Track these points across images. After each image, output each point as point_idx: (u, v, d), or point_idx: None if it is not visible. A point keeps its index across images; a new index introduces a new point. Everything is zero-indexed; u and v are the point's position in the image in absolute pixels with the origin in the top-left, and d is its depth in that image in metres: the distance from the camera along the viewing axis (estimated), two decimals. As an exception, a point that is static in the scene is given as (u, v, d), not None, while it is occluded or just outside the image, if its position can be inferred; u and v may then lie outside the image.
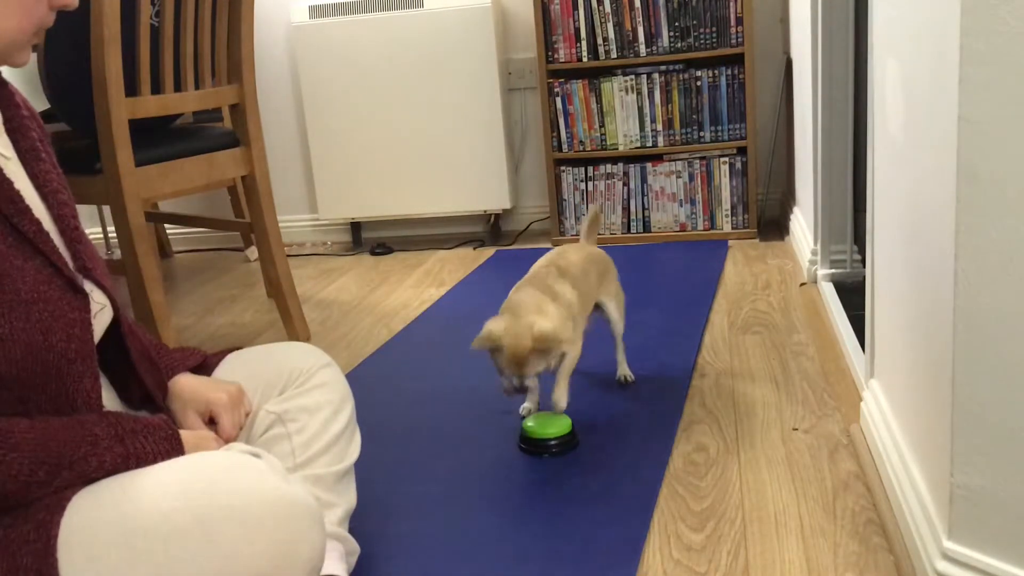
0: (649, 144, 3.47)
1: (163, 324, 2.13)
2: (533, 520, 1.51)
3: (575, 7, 3.39)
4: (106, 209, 3.29)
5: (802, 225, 2.98)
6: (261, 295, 3.15)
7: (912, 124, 1.30)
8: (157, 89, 2.13)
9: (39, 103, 2.21)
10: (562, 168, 3.55)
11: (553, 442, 1.74)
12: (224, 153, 2.36)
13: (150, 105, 2.11)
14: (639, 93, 3.43)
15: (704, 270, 3.00)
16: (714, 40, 3.34)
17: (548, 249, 2.05)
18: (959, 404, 1.08)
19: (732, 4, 3.29)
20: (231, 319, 2.91)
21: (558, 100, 3.49)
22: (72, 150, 2.12)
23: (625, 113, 3.46)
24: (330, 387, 1.36)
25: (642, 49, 3.40)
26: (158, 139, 2.23)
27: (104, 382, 1.17)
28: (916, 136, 1.27)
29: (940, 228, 1.12)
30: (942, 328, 1.13)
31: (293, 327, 2.55)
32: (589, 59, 3.44)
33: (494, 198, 3.66)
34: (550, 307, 1.75)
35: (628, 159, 3.50)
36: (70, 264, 1.07)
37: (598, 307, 2.01)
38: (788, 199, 3.49)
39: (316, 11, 3.60)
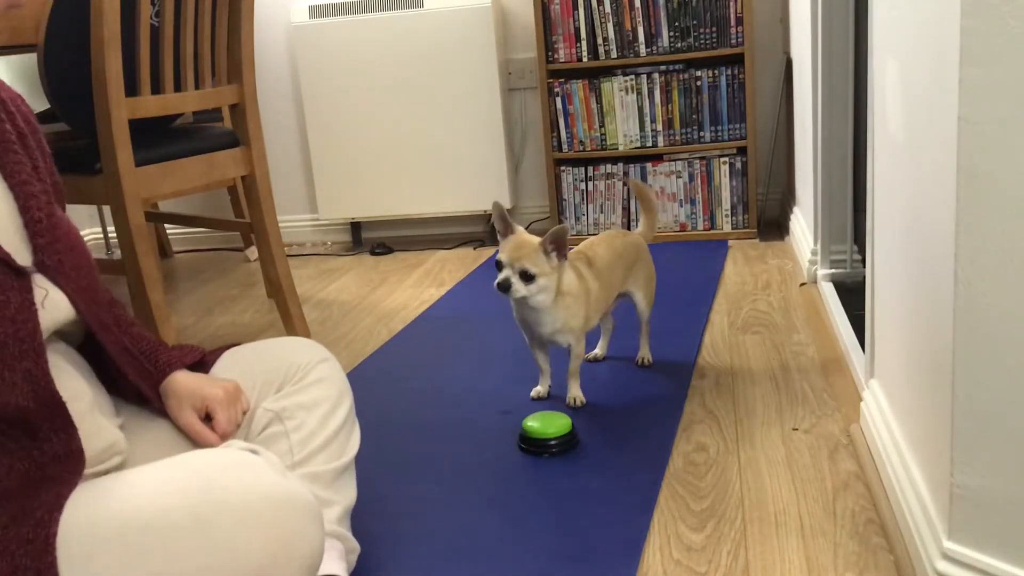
0: (649, 144, 3.47)
1: (163, 324, 2.13)
2: (533, 520, 1.51)
3: (575, 7, 3.39)
4: (106, 209, 3.28)
5: (802, 225, 2.98)
6: (261, 295, 3.15)
7: (912, 124, 1.30)
8: (157, 89, 2.13)
9: (39, 103, 2.21)
10: (562, 168, 3.55)
11: (553, 442, 1.74)
12: (224, 153, 2.36)
13: (150, 105, 2.11)
14: (639, 93, 3.43)
15: (704, 270, 3.00)
16: (714, 40, 3.34)
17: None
18: (959, 404, 1.08)
19: (732, 4, 3.29)
20: (231, 319, 2.91)
21: (558, 100, 3.49)
22: (72, 150, 2.12)
23: (625, 113, 3.46)
24: (328, 382, 1.35)
25: (642, 49, 3.39)
26: (158, 139, 2.23)
27: (90, 377, 1.17)
28: (916, 136, 1.27)
29: (940, 228, 1.12)
30: (942, 328, 1.13)
31: (293, 327, 2.55)
32: (589, 59, 3.44)
33: (494, 198, 3.63)
34: (573, 277, 1.88)
35: (628, 159, 3.50)
36: (23, 254, 1.06)
37: (625, 295, 2.13)
38: (788, 199, 3.49)
39: (316, 11, 3.60)
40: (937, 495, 1.18)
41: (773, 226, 3.54)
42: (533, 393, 2.01)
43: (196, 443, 1.24)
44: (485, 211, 3.70)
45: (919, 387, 1.29)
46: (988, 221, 1.01)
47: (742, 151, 3.40)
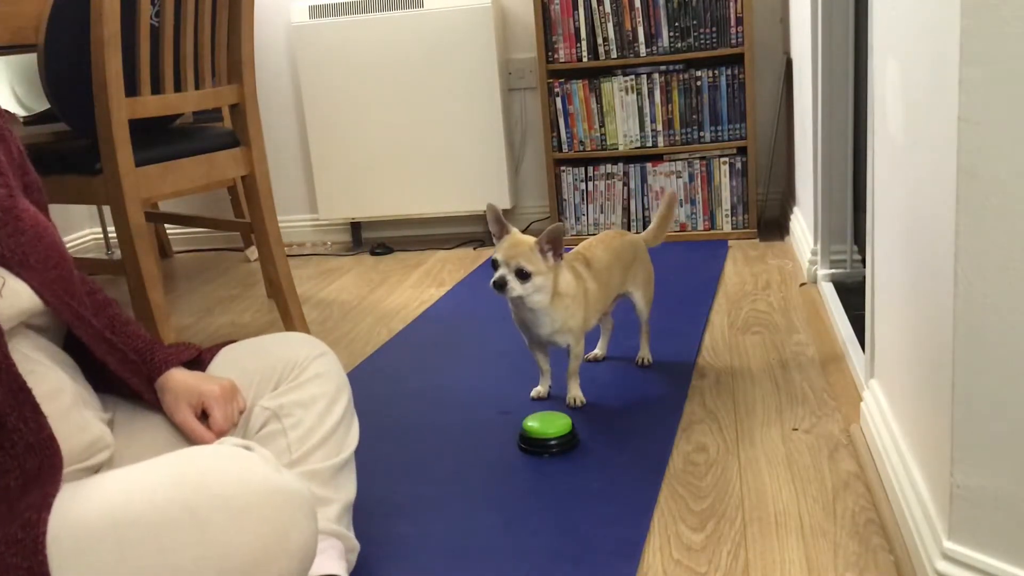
0: (649, 144, 3.47)
1: (163, 324, 2.13)
2: (533, 520, 1.51)
3: (575, 7, 3.39)
4: (106, 209, 3.29)
5: (802, 225, 2.98)
6: (261, 295, 3.15)
7: (912, 124, 1.30)
8: (157, 89, 2.13)
9: (39, 103, 2.21)
10: (562, 168, 3.55)
11: (553, 442, 1.74)
12: (224, 153, 2.36)
13: (150, 105, 2.11)
14: (639, 93, 3.43)
15: (704, 270, 3.00)
16: (714, 40, 3.34)
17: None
18: (959, 404, 1.08)
19: (732, 4, 3.29)
20: (231, 319, 2.91)
21: (558, 100, 3.49)
22: (72, 150, 2.12)
23: (625, 113, 3.46)
24: (325, 378, 1.34)
25: (642, 49, 3.39)
26: (158, 139, 2.23)
27: (73, 372, 1.17)
28: (916, 136, 1.27)
29: (940, 228, 1.12)
30: (942, 328, 1.13)
31: (293, 327, 2.55)
32: (589, 59, 3.44)
33: (494, 198, 3.65)
34: (571, 277, 1.88)
35: (628, 159, 3.50)
36: None
37: (624, 295, 2.13)
38: (788, 199, 3.49)
39: (316, 11, 3.60)
40: (937, 495, 1.18)
41: (773, 226, 3.54)
42: (533, 393, 2.01)
43: (192, 441, 1.23)
44: (485, 211, 3.70)
45: (919, 387, 1.29)
46: (988, 221, 1.01)
47: (742, 151, 3.40)
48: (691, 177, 3.45)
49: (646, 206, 3.50)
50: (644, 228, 3.50)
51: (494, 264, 1.81)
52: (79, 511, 0.95)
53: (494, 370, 2.24)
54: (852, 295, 2.31)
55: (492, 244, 1.86)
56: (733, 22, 3.31)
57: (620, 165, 3.50)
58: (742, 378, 2.06)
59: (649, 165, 3.47)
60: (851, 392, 1.88)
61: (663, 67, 3.40)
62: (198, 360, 1.34)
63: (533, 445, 1.75)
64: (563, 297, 1.85)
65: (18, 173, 1.20)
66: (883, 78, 1.52)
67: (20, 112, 3.11)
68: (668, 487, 1.59)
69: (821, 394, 1.92)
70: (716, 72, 3.36)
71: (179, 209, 3.93)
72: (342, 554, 1.27)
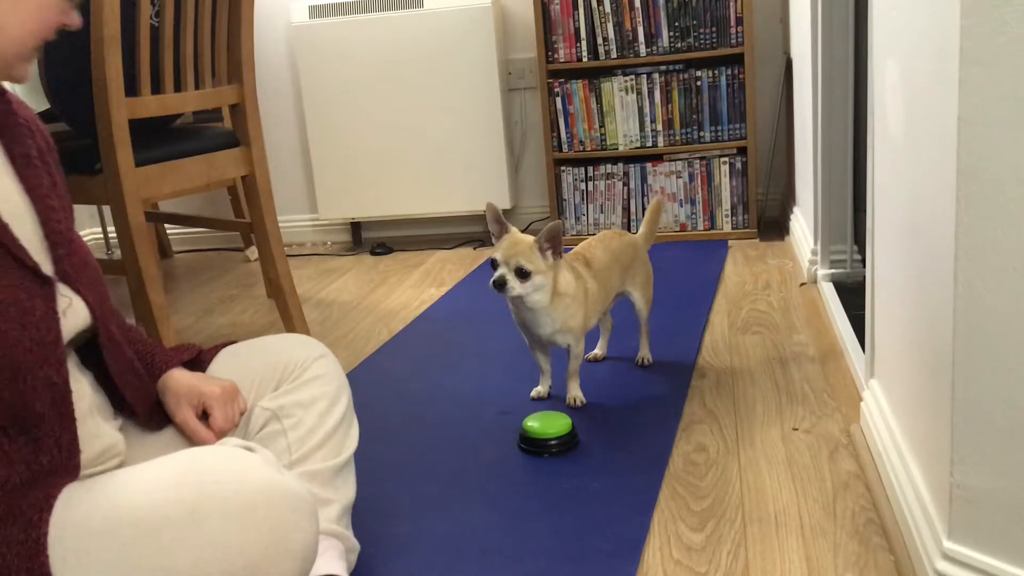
0: (649, 144, 3.47)
1: (163, 324, 2.13)
2: (533, 520, 1.51)
3: (575, 7, 3.39)
4: (106, 209, 3.28)
5: (802, 225, 2.98)
6: (261, 295, 3.15)
7: (912, 124, 1.30)
8: (157, 89, 2.13)
9: (39, 103, 2.21)
10: (562, 168, 3.55)
11: (553, 442, 1.74)
12: (224, 153, 2.35)
13: (150, 105, 2.11)
14: (639, 93, 3.43)
15: (704, 270, 3.00)
16: (714, 40, 3.34)
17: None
18: (959, 404, 1.08)
19: (732, 4, 3.29)
20: (231, 319, 2.91)
21: (558, 100, 3.49)
22: (72, 150, 2.12)
23: (625, 113, 3.46)
24: (325, 379, 1.35)
25: (642, 49, 3.39)
26: (158, 139, 2.23)
27: (91, 379, 1.17)
28: (916, 136, 1.27)
29: (940, 228, 1.12)
30: (942, 328, 1.13)
31: (293, 327, 2.55)
32: (589, 59, 3.44)
33: (494, 198, 3.62)
34: (571, 277, 1.88)
35: (628, 159, 3.50)
36: (46, 265, 1.07)
37: (624, 295, 2.13)
38: (788, 199, 3.49)
39: (316, 11, 3.60)
40: (937, 495, 1.18)
41: (773, 226, 3.54)
42: (533, 393, 2.02)
43: (192, 440, 1.24)
44: (485, 211, 3.70)
45: (919, 387, 1.29)
46: (988, 221, 1.01)
47: (742, 151, 3.40)
48: (691, 177, 3.45)
49: (646, 206, 3.49)
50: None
51: (493, 264, 1.81)
52: (81, 512, 0.95)
53: (494, 370, 2.24)
54: (852, 295, 2.31)
55: (492, 244, 1.86)
56: (733, 22, 3.31)
57: (620, 165, 3.50)
58: (742, 378, 2.06)
59: (649, 165, 3.47)
60: (851, 392, 1.88)
61: (663, 67, 3.40)
62: (198, 360, 1.34)
63: (533, 445, 1.75)
64: (563, 297, 1.85)
65: (66, 196, 1.22)
66: (883, 78, 1.52)
67: (20, 112, 3.11)
68: (668, 487, 1.59)
69: (821, 394, 1.92)
70: (716, 72, 3.36)
71: (179, 209, 3.93)
72: (342, 554, 1.27)
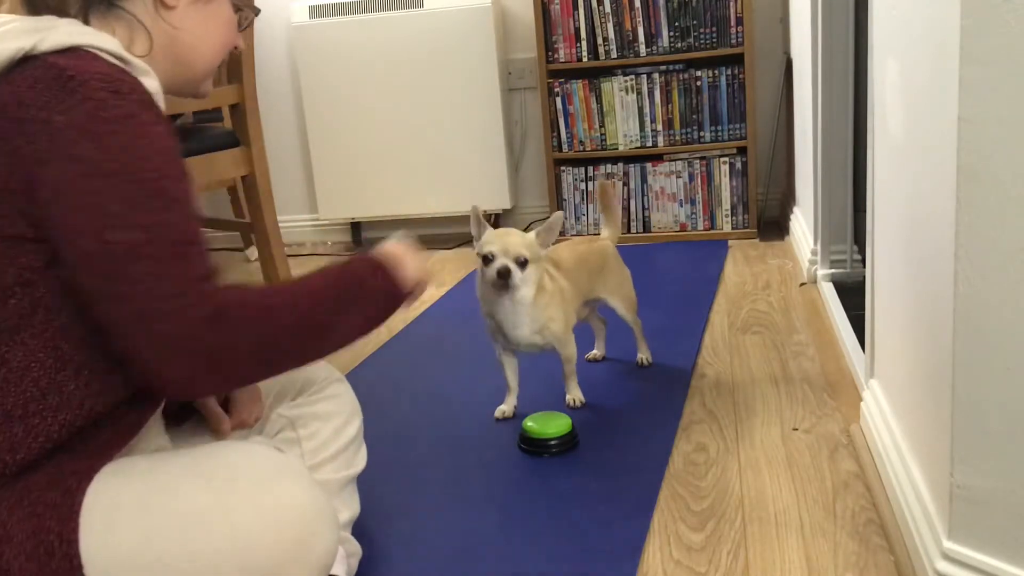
0: (649, 144, 3.47)
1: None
2: (533, 520, 1.51)
3: (575, 7, 3.39)
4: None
5: (802, 225, 2.98)
6: (261, 295, 3.14)
7: (912, 124, 1.30)
8: (157, 89, 2.13)
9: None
10: (562, 168, 3.55)
11: (553, 442, 1.74)
12: (224, 153, 2.36)
13: (150, 105, 2.10)
14: (639, 93, 3.43)
15: (704, 270, 3.00)
16: (714, 40, 3.34)
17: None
18: (959, 404, 1.08)
19: (732, 4, 3.29)
20: (231, 319, 2.91)
21: (558, 100, 3.49)
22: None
23: (625, 113, 3.46)
24: (341, 400, 1.38)
25: (642, 49, 3.39)
26: (158, 139, 2.23)
27: None
28: (916, 136, 1.27)
29: (940, 228, 1.12)
30: (942, 328, 1.13)
31: (293, 327, 2.54)
32: (589, 59, 3.44)
33: (494, 198, 3.66)
34: (547, 279, 1.85)
35: (628, 159, 3.50)
36: None
37: (600, 302, 2.09)
38: (788, 199, 3.49)
39: (316, 11, 3.60)
40: (937, 495, 1.18)
41: (773, 226, 3.54)
42: (498, 413, 1.93)
43: (209, 421, 1.25)
44: (485, 211, 3.69)
45: (919, 387, 1.29)
46: (988, 221, 1.01)
47: (742, 151, 3.40)
48: (691, 177, 3.45)
49: (646, 206, 3.50)
50: (644, 228, 3.52)
51: (487, 259, 1.77)
52: (115, 489, 0.97)
53: (494, 370, 2.24)
54: (852, 295, 2.30)
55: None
56: (733, 22, 3.31)
57: (620, 165, 3.50)
58: (742, 378, 2.06)
59: (649, 165, 3.47)
60: (851, 392, 1.88)
61: (663, 67, 3.40)
62: None
63: (533, 445, 1.75)
64: (543, 293, 1.84)
65: None
66: (883, 78, 1.52)
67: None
68: (668, 487, 1.59)
69: (821, 394, 1.92)
70: (716, 72, 3.36)
71: (179, 209, 3.92)
72: (344, 558, 1.29)
